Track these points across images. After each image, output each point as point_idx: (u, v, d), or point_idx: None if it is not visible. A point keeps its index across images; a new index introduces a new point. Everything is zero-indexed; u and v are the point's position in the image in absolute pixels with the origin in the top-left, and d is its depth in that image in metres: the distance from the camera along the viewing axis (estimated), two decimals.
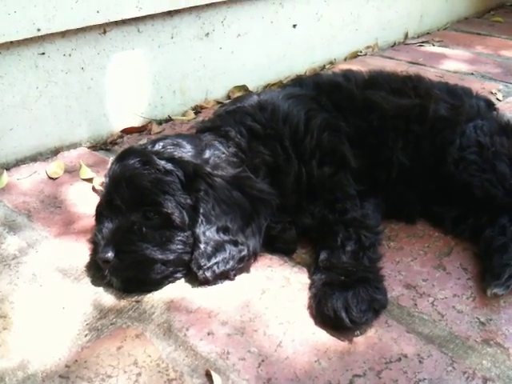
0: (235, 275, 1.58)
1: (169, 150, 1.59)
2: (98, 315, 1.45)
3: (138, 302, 1.51)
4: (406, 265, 1.65)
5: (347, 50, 3.68)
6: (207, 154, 1.63)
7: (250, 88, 3.07)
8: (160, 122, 2.69)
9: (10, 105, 2.17)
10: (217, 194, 1.53)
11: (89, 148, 2.44)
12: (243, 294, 1.53)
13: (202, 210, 1.51)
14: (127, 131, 2.57)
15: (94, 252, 1.56)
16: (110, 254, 1.45)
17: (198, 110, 2.86)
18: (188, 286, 1.57)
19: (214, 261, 1.52)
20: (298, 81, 2.00)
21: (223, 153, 1.66)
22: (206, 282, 1.55)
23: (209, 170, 1.56)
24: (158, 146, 1.60)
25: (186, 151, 1.59)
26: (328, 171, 1.69)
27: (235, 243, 1.55)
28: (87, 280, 1.59)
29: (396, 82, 1.90)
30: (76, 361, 1.30)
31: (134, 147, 1.64)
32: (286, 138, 1.69)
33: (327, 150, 1.71)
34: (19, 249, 1.73)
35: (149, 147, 1.62)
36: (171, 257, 1.50)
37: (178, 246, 1.51)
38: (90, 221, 1.84)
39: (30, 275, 1.60)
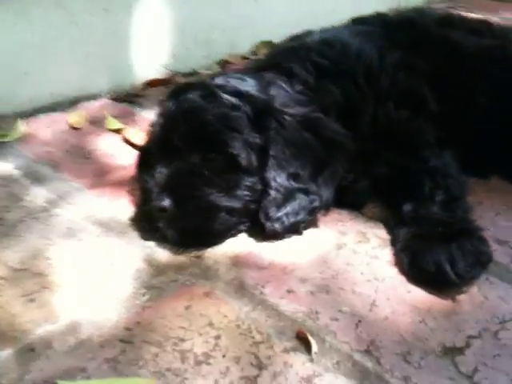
0: (305, 228, 1.37)
1: (233, 84, 1.36)
2: (154, 272, 1.23)
3: (198, 257, 1.29)
4: (490, 220, 1.46)
5: (372, 10, 3.45)
6: (272, 91, 1.40)
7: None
8: (185, 76, 2.44)
9: (28, 45, 1.92)
10: (287, 134, 1.32)
11: (110, 100, 2.18)
12: (317, 249, 1.32)
13: (272, 152, 1.29)
14: (151, 84, 2.33)
15: (143, 201, 1.33)
16: (167, 202, 1.23)
17: (223, 64, 2.62)
18: (251, 240, 1.36)
19: (283, 211, 1.30)
20: (360, 20, 1.78)
21: (287, 91, 1.44)
22: (273, 236, 1.33)
23: (279, 107, 1.33)
24: (220, 80, 1.37)
25: (251, 86, 1.37)
26: (405, 115, 1.47)
27: (306, 192, 1.34)
28: (134, 234, 1.36)
29: (472, 23, 1.69)
30: (138, 323, 1.08)
31: (191, 81, 1.40)
32: (359, 76, 1.47)
33: (404, 91, 1.50)
34: (48, 201, 1.49)
35: (208, 81, 1.39)
36: (237, 205, 1.28)
37: (245, 193, 1.29)
38: (125, 172, 1.62)
39: (64, 229, 1.37)
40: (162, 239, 1.31)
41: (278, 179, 1.30)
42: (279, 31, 2.86)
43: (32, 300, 1.14)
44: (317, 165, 1.35)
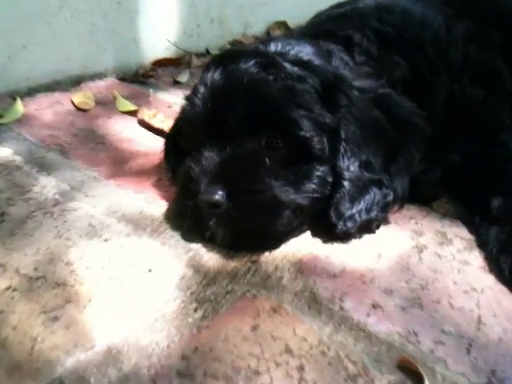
0: (377, 227, 1.14)
1: (293, 52, 1.12)
2: (204, 280, 0.99)
3: (254, 262, 1.06)
4: None
5: None
6: (334, 61, 1.17)
7: (291, 26, 2.60)
8: (198, 56, 2.19)
9: (26, 14, 1.65)
10: (358, 114, 1.08)
11: (117, 79, 1.92)
12: (394, 251, 1.10)
13: (343, 135, 1.06)
14: (160, 63, 2.08)
15: (183, 194, 1.08)
16: (221, 195, 0.99)
17: (236, 44, 2.37)
18: (314, 240, 1.12)
19: (357, 207, 1.08)
20: None
21: (347, 63, 1.21)
22: (344, 237, 1.11)
23: (350, 80, 1.10)
24: (276, 46, 1.13)
25: (313, 55, 1.13)
26: (479, 94, 1.25)
27: (379, 184, 1.12)
28: (172, 233, 1.12)
29: None
30: (196, 348, 0.85)
31: (240, 47, 1.16)
32: (428, 46, 1.25)
33: (477, 67, 1.29)
34: (60, 192, 1.23)
35: (261, 47, 1.14)
36: (305, 201, 1.05)
37: (314, 186, 1.06)
38: (148, 159, 1.37)
39: (85, 227, 1.12)
40: (210, 240, 1.06)
41: (352, 168, 1.07)
42: (294, 12, 2.65)
43: (55, 318, 0.89)
44: (389, 151, 1.13)
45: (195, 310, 0.93)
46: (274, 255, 1.08)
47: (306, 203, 1.06)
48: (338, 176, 1.07)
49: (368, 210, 1.10)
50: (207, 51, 2.24)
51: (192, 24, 2.19)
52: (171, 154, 1.24)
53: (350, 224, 1.08)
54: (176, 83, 1.95)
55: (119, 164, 1.37)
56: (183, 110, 1.15)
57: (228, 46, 2.34)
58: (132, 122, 1.61)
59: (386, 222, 1.17)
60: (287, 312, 0.93)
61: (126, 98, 1.75)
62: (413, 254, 1.10)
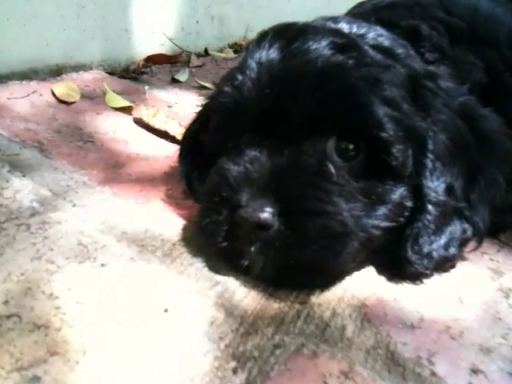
0: (452, 267, 0.90)
1: (372, 35, 0.90)
2: (241, 327, 0.72)
3: (303, 303, 0.79)
4: None
5: None
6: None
7: None
8: (197, 56, 1.93)
9: None
10: (448, 122, 0.86)
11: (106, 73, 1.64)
12: (477, 296, 0.86)
13: (431, 146, 0.83)
14: (154, 60, 1.80)
15: (209, 207, 0.81)
16: (272, 213, 0.74)
17: (236, 48, 2.13)
18: (375, 278, 0.87)
19: (439, 241, 0.85)
20: None
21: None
22: (416, 277, 0.87)
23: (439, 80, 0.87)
24: (350, 26, 0.90)
25: (394, 42, 0.90)
26: None
27: (459, 214, 0.88)
28: (191, 259, 0.84)
29: None
30: None
31: (300, 23, 0.90)
32: (504, 46, 1.03)
33: None
34: (40, 199, 0.95)
35: (331, 25, 0.90)
36: (377, 231, 0.81)
37: (390, 213, 0.82)
38: (149, 165, 1.11)
39: (73, 246, 0.84)
40: (244, 271, 0.78)
41: (440, 191, 0.83)
42: (297, 17, 2.42)
43: (35, 379, 0.60)
44: (471, 174, 0.89)
45: (235, 372, 0.65)
46: (328, 296, 0.82)
47: (379, 233, 0.80)
48: (421, 199, 0.83)
49: (446, 246, 0.86)
50: (206, 51, 1.99)
51: (191, 20, 1.95)
52: (188, 157, 0.97)
53: (426, 262, 0.85)
54: (174, 82, 1.68)
55: (114, 168, 1.09)
56: (215, 97, 0.88)
57: (229, 50, 2.09)
58: (126, 120, 1.34)
59: (461, 258, 0.92)
60: (363, 378, 0.67)
61: (118, 93, 1.46)
62: (499, 299, 0.87)
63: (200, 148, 0.96)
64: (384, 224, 0.81)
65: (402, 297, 0.84)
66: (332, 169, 0.79)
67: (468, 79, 0.98)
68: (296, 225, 0.74)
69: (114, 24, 1.69)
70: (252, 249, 0.76)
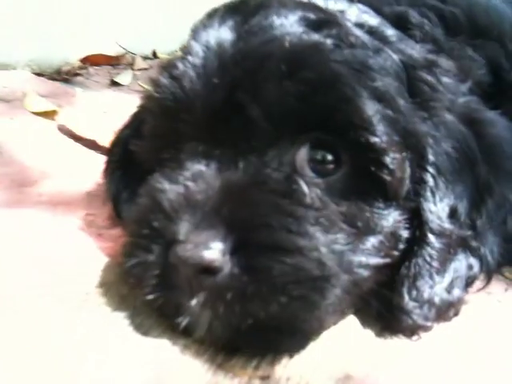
0: (456, 314, 0.69)
1: (354, 12, 0.71)
2: None
3: (265, 378, 0.55)
4: None
5: None
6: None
7: None
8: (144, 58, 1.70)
9: None
10: (452, 127, 0.66)
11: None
12: (485, 352, 0.64)
13: (432, 158, 0.63)
14: (92, 60, 1.56)
15: (137, 242, 0.58)
16: (222, 251, 0.53)
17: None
18: (360, 333, 0.64)
19: (441, 283, 0.64)
20: None
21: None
22: (414, 330, 0.64)
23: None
24: (325, 2, 0.69)
25: (382, 23, 0.72)
26: None
27: (464, 245, 0.67)
28: (111, 315, 0.59)
29: None
30: None
31: None
32: (508, 40, 0.85)
33: None
34: None
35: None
36: (365, 271, 0.60)
37: (381, 245, 0.61)
38: (68, 183, 0.84)
39: None
40: (183, 332, 0.55)
41: (443, 216, 0.62)
42: None
43: None
44: (476, 192, 0.68)
45: None
46: (299, 364, 0.58)
47: (368, 274, 0.58)
48: (420, 228, 0.62)
49: (450, 288, 0.65)
50: (155, 55, 1.75)
51: (140, 16, 1.70)
52: (117, 172, 0.74)
53: (427, 311, 0.63)
54: (114, 85, 1.44)
55: (21, 186, 0.83)
56: (150, 96, 0.66)
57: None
58: (48, 127, 1.08)
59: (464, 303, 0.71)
60: None
61: (43, 96, 1.21)
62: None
63: (132, 161, 0.73)
64: (374, 261, 0.60)
65: (402, 363, 0.61)
66: (304, 187, 0.57)
67: (469, 76, 0.78)
68: (256, 267, 0.53)
69: (46, 17, 1.44)
70: (193, 302, 0.54)
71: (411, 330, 0.65)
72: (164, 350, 0.57)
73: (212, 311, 0.54)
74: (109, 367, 0.52)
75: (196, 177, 0.58)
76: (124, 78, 1.50)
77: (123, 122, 0.80)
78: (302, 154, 0.59)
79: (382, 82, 0.59)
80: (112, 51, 1.67)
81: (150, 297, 0.56)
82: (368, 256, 0.59)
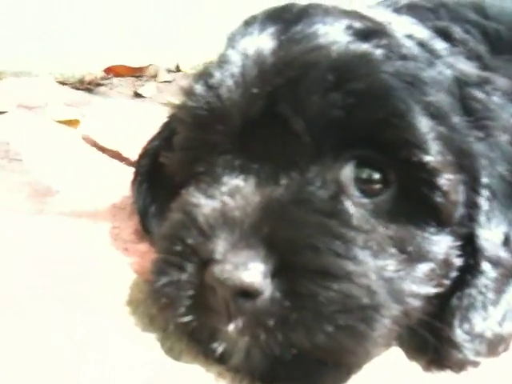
0: (506, 349, 0.63)
1: (402, 22, 0.67)
2: None
3: None
4: None
5: None
6: None
7: None
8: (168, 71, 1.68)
9: None
10: (505, 152, 0.61)
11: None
12: None
13: (486, 179, 0.57)
14: (115, 71, 1.54)
15: (172, 259, 0.52)
16: (263, 273, 0.47)
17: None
18: (407, 367, 0.59)
19: (494, 316, 0.59)
20: None
21: None
22: (464, 365, 0.58)
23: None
24: (371, 13, 0.65)
25: (430, 36, 0.67)
26: None
27: None
28: (140, 337, 0.54)
29: None
30: None
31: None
32: None
33: None
34: None
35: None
36: (416, 301, 0.54)
37: (432, 272, 0.56)
38: (92, 194, 0.81)
39: None
40: (219, 361, 0.50)
41: (498, 243, 0.57)
42: None
43: None
44: None
45: None
46: None
47: (418, 305, 0.54)
48: (474, 256, 0.57)
49: (502, 321, 0.60)
50: (178, 68, 1.73)
51: (161, 26, 1.68)
52: (145, 185, 0.71)
53: (478, 345, 0.58)
54: (137, 96, 1.41)
55: (43, 196, 0.80)
56: (183, 105, 0.62)
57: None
58: (71, 136, 1.05)
59: None
60: None
61: (66, 105, 1.19)
62: None
63: (162, 173, 0.69)
64: (425, 290, 0.55)
65: None
66: (351, 207, 0.52)
67: None
68: (299, 292, 0.48)
69: (67, 26, 1.41)
70: (231, 327, 0.48)
71: (460, 365, 0.59)
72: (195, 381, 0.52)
73: (250, 338, 0.49)
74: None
75: (233, 192, 0.54)
76: (147, 89, 1.47)
77: (151, 133, 0.77)
78: (347, 172, 0.55)
79: (435, 97, 0.55)
80: (135, 63, 1.64)
81: (183, 319, 0.52)
82: (419, 284, 0.54)
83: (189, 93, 0.62)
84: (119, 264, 0.66)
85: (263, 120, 0.55)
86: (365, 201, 0.54)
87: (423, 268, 0.55)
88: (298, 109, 0.53)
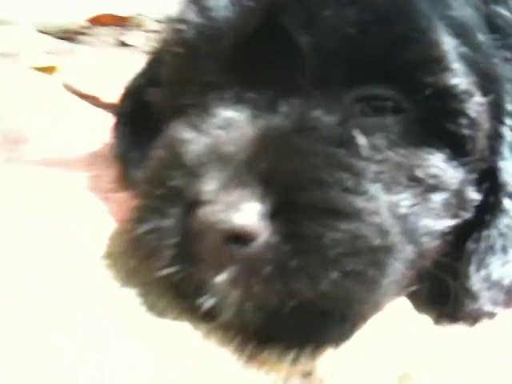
0: None
1: None
2: None
3: (307, 375, 0.43)
4: None
5: None
6: None
7: None
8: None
9: None
10: None
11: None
12: None
13: (510, 108, 0.49)
14: (100, 21, 1.44)
15: (156, 201, 0.46)
16: (257, 213, 0.41)
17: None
18: (416, 319, 0.53)
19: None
20: None
21: None
22: (477, 318, 0.52)
23: None
24: None
25: None
26: None
27: None
28: (116, 292, 0.47)
29: None
30: None
31: None
32: None
33: None
34: None
35: None
36: (431, 240, 0.47)
37: (448, 201, 0.49)
38: (67, 141, 0.74)
39: None
40: (207, 317, 0.43)
41: None
42: None
43: None
44: None
45: None
46: (345, 357, 0.47)
47: (434, 244, 0.47)
48: (495, 192, 0.50)
49: None
50: (168, 17, 1.62)
51: None
52: (128, 127, 0.66)
53: (496, 294, 0.51)
54: (123, 46, 1.31)
55: (14, 143, 0.72)
56: (171, 31, 0.54)
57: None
58: (49, 83, 0.97)
59: None
60: None
61: (46, 53, 1.10)
62: None
63: (146, 115, 0.62)
64: (442, 224, 0.48)
65: (468, 357, 0.49)
66: (360, 135, 0.45)
67: None
68: (301, 234, 0.41)
69: None
70: (220, 277, 0.42)
71: (475, 317, 0.53)
72: (164, 350, 0.45)
73: (243, 289, 0.43)
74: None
75: (225, 124, 0.47)
76: (134, 38, 1.38)
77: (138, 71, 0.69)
78: (357, 97, 0.48)
79: (459, 12, 0.47)
80: (121, 12, 1.54)
81: (166, 271, 0.45)
82: (435, 218, 0.48)
83: (178, 20, 0.55)
84: (98, 214, 0.58)
85: (260, 37, 0.47)
86: (374, 129, 0.47)
87: (437, 198, 0.48)
88: (305, 23, 0.45)
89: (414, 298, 0.53)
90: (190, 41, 0.52)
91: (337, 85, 0.47)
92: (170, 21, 0.58)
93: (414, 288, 0.52)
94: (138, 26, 1.50)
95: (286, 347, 0.45)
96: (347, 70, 0.47)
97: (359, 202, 0.42)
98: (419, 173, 0.47)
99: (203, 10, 0.51)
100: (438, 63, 0.45)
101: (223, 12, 0.50)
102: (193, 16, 0.52)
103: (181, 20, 0.54)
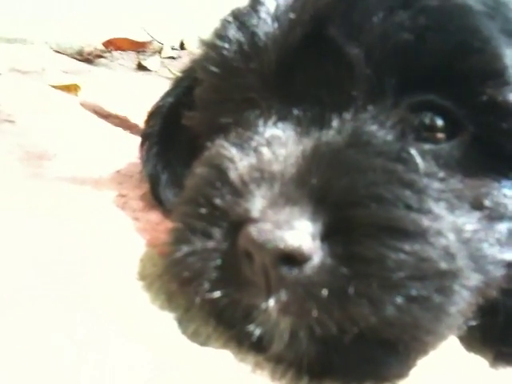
0: None
1: None
2: None
3: None
4: None
5: None
6: None
7: None
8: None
9: None
10: None
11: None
12: None
13: None
14: (116, 44, 1.43)
15: (197, 223, 0.42)
16: (312, 235, 0.37)
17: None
18: (468, 360, 0.49)
19: None
20: None
21: None
22: None
23: None
24: None
25: None
26: None
27: None
28: (153, 320, 0.44)
29: None
30: None
31: None
32: None
33: None
34: None
35: None
36: (498, 270, 0.44)
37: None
38: (93, 159, 0.71)
39: None
40: (256, 348, 0.41)
41: None
42: None
43: None
44: None
45: None
46: None
47: (499, 274, 0.44)
48: None
49: None
50: (182, 45, 1.63)
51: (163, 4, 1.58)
52: (156, 148, 0.63)
53: None
54: (141, 69, 1.30)
55: (39, 159, 0.70)
56: (210, 46, 0.52)
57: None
58: (69, 101, 0.95)
59: None
60: None
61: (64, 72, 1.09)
62: None
63: (176, 136, 0.59)
64: (508, 255, 0.44)
65: None
66: (416, 156, 0.42)
67: None
68: (360, 256, 0.38)
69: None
70: (270, 303, 0.38)
71: None
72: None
73: (296, 316, 0.39)
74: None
75: (271, 142, 0.44)
76: (151, 62, 1.37)
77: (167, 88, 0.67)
78: (412, 106, 0.45)
79: None
80: (137, 38, 1.54)
81: (210, 295, 0.42)
82: (501, 247, 0.44)
83: (218, 36, 0.53)
84: (130, 233, 0.56)
85: (305, 51, 0.45)
86: (430, 148, 0.44)
87: (503, 228, 0.45)
88: (353, 32, 0.43)
89: (468, 335, 0.50)
90: (230, 57, 0.50)
91: (390, 96, 0.44)
92: (207, 39, 0.57)
93: (472, 323, 0.48)
94: (156, 52, 1.50)
95: (344, 383, 0.41)
96: (400, 80, 0.44)
97: (424, 221, 0.39)
98: (481, 198, 0.44)
99: (244, 25, 0.50)
100: (498, 76, 0.43)
101: (265, 27, 0.48)
102: (233, 32, 0.51)
103: (221, 37, 0.52)
